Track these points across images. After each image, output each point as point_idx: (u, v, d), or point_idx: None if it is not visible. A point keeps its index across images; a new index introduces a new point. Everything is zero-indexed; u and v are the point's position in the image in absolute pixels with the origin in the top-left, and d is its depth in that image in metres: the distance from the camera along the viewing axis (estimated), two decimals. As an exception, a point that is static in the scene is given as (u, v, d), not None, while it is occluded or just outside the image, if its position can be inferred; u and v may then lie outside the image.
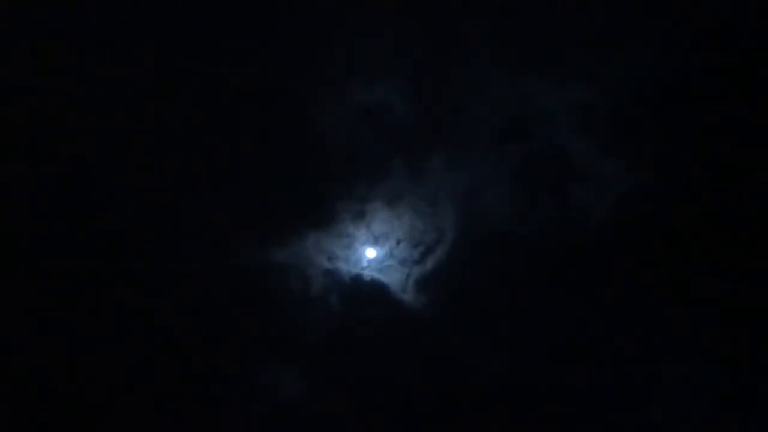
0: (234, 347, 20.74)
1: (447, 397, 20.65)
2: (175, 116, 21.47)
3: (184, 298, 20.75)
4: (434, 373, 20.77)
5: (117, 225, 21.05)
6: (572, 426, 20.47)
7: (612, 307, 20.89)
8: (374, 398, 20.66)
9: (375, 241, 21.57)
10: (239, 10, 21.94)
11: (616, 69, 21.57)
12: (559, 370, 20.66)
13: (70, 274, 20.76)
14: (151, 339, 20.56)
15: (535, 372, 20.67)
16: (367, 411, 20.61)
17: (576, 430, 20.48)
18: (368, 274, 21.46)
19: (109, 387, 20.46)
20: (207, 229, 21.05)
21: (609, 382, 20.58)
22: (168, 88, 21.54)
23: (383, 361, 20.83)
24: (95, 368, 20.46)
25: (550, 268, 21.19)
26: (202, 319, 20.77)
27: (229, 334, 20.80)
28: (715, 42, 21.41)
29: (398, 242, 21.56)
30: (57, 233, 20.94)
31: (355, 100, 21.63)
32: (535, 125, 21.65)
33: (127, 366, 20.54)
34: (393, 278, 21.42)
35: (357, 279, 21.38)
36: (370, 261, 21.55)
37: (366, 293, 21.34)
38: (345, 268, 21.41)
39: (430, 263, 21.42)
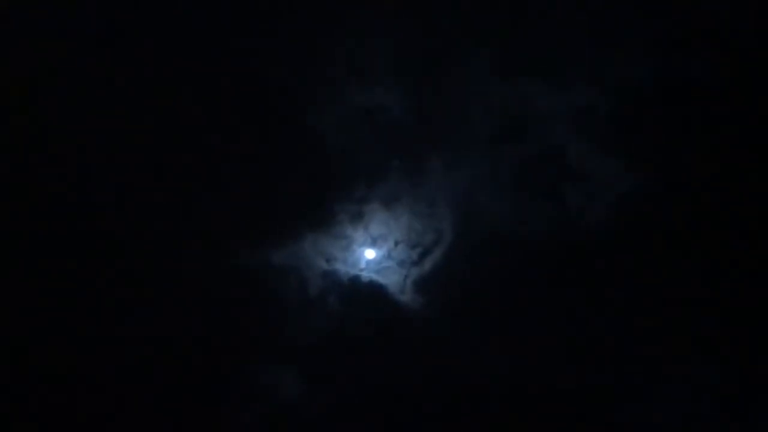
0: (233, 347, 20.75)
1: (447, 398, 20.64)
2: (175, 116, 21.48)
3: (183, 299, 20.76)
4: (433, 374, 20.75)
5: (117, 225, 21.04)
6: (572, 426, 20.44)
7: (612, 307, 20.86)
8: (374, 398, 20.67)
9: (373, 243, 21.57)
10: (239, 10, 21.91)
11: (616, 69, 21.53)
12: (559, 370, 20.62)
13: (69, 274, 20.76)
14: (150, 339, 20.58)
15: (535, 372, 20.63)
16: (367, 411, 20.63)
17: (576, 430, 20.46)
18: (366, 275, 21.46)
19: (109, 387, 20.48)
20: (206, 230, 21.07)
21: (609, 382, 20.55)
22: (168, 88, 21.53)
23: (382, 361, 20.84)
24: (95, 368, 20.47)
25: (549, 268, 21.14)
26: (202, 320, 20.79)
27: (228, 334, 20.81)
28: (715, 42, 21.35)
29: (396, 243, 21.55)
30: (57, 233, 20.94)
31: (355, 101, 21.63)
32: (534, 125, 21.60)
33: (126, 366, 20.56)
34: (391, 279, 21.42)
35: (355, 280, 21.38)
36: (368, 262, 21.56)
37: (364, 294, 21.34)
38: (343, 269, 21.41)
39: (428, 264, 21.42)
